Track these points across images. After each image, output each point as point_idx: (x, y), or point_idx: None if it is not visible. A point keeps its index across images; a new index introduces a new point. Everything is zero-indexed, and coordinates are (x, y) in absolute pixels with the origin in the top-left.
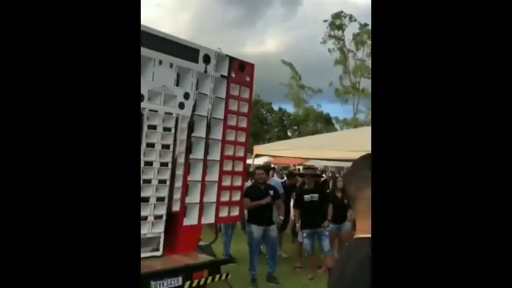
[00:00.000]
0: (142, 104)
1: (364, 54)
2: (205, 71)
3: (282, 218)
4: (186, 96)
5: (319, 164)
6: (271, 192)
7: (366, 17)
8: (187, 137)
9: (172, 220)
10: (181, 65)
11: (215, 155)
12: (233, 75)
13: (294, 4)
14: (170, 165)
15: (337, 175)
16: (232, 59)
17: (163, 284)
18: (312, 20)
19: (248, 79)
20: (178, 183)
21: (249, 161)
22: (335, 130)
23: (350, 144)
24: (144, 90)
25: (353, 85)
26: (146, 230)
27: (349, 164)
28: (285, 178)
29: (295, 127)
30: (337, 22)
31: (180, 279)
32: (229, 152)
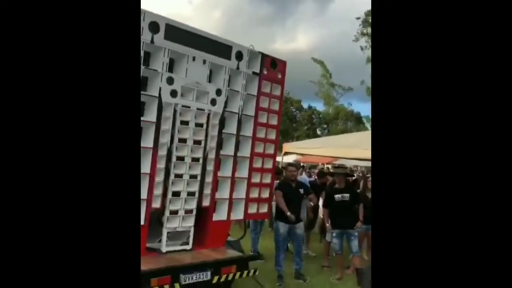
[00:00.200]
0: (175, 100)
1: None
2: (237, 68)
3: (312, 215)
4: (218, 92)
5: (349, 164)
6: (301, 191)
7: None
8: (218, 133)
9: (202, 215)
10: (214, 62)
11: (245, 151)
12: (265, 72)
13: (326, 1)
14: (201, 161)
15: (367, 175)
16: (264, 56)
17: (192, 278)
18: (343, 17)
19: (279, 76)
20: (209, 179)
21: (278, 159)
22: (366, 129)
23: None
24: (177, 86)
25: None
26: (176, 224)
27: None
28: (314, 176)
29: (325, 126)
30: (370, 19)
31: (208, 273)
32: (259, 149)
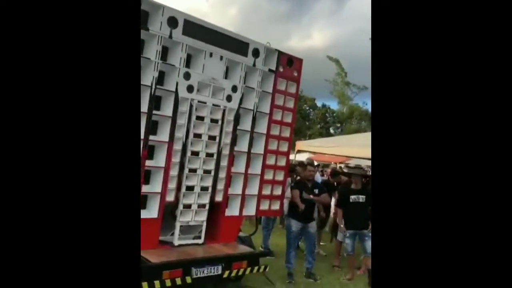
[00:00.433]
0: (192, 95)
1: None
2: (254, 65)
3: (324, 214)
4: (234, 89)
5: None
6: (316, 191)
7: None
8: (232, 130)
9: (214, 210)
10: (231, 58)
11: (259, 148)
12: (281, 69)
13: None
14: (215, 156)
15: None
16: (280, 54)
17: (203, 272)
18: (360, 15)
19: (295, 74)
20: (222, 174)
21: (290, 157)
22: None
23: None
24: (194, 82)
25: None
26: (189, 218)
27: None
28: (326, 175)
29: (338, 125)
30: None
31: (219, 267)
32: (273, 146)
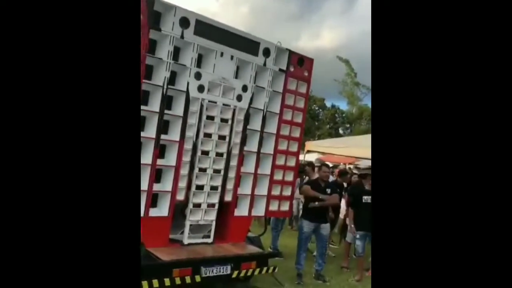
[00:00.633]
0: (202, 95)
1: None
2: (264, 65)
3: (333, 215)
4: (244, 88)
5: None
6: (328, 191)
7: None
8: (242, 129)
9: (224, 210)
10: (241, 58)
11: (269, 148)
12: (292, 69)
13: None
14: (225, 156)
15: None
16: (291, 53)
17: (212, 271)
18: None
19: (306, 73)
20: (232, 174)
21: (300, 157)
22: None
23: None
24: (204, 81)
25: None
26: (199, 217)
27: None
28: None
29: (348, 125)
30: None
31: (228, 267)
32: (283, 146)
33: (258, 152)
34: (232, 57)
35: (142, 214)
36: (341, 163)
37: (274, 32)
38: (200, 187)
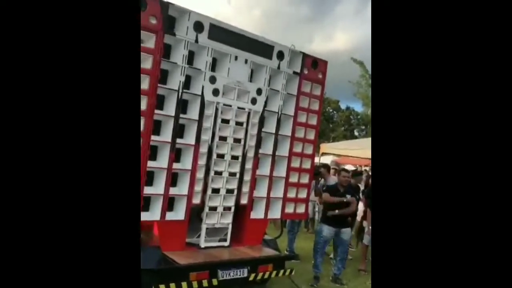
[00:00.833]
0: (217, 99)
1: None
2: (278, 68)
3: (350, 219)
4: (259, 91)
5: None
6: (348, 197)
7: None
8: (257, 132)
9: (240, 213)
10: (256, 61)
11: (284, 151)
12: (306, 72)
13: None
14: (240, 159)
15: None
16: (305, 56)
17: (229, 274)
18: None
19: (320, 76)
20: (247, 177)
21: (315, 159)
22: None
23: None
24: (219, 85)
25: None
26: (215, 220)
27: None
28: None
29: (363, 127)
30: None
31: (245, 270)
32: (298, 149)
33: (273, 155)
34: (246, 61)
35: (158, 218)
36: (357, 165)
37: (287, 35)
38: (216, 191)
